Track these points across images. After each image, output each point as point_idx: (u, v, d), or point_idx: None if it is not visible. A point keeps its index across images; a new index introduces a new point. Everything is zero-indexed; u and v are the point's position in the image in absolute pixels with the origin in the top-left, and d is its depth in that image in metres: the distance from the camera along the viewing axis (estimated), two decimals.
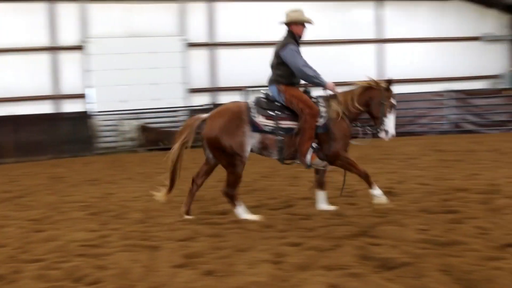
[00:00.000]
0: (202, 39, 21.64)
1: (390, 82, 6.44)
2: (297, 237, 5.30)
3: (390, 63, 23.63)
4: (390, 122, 6.38)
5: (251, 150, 6.34)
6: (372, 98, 6.41)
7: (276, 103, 6.36)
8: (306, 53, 23.55)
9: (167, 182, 6.61)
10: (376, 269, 4.21)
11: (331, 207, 6.51)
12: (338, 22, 23.10)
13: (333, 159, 6.35)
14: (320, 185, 6.65)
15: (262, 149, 6.34)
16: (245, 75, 21.93)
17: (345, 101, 6.41)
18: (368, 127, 6.62)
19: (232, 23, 21.94)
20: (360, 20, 23.58)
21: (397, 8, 23.99)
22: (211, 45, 21.75)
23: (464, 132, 19.21)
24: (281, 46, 6.36)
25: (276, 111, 6.29)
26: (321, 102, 6.39)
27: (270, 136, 6.26)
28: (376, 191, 6.30)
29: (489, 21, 25.15)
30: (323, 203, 6.60)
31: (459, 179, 8.33)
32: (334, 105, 6.37)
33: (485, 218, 5.60)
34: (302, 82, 6.46)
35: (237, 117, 6.22)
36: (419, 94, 20.12)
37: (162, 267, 4.55)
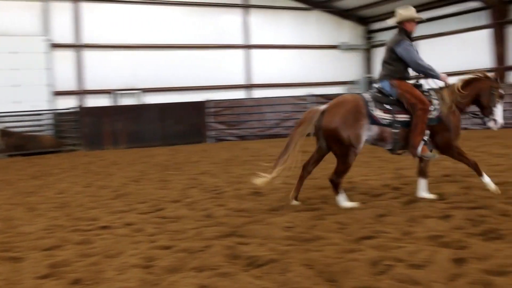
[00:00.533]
0: (68, 40, 20.69)
1: (496, 75, 6.80)
2: (167, 240, 5.25)
3: (257, 68, 24.27)
4: (498, 112, 6.60)
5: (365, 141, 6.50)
6: (482, 89, 6.60)
7: (391, 97, 6.54)
8: (176, 57, 23.13)
9: (273, 169, 6.56)
10: (245, 267, 4.29)
11: (432, 196, 6.57)
12: (207, 27, 23.28)
13: (445, 149, 6.59)
14: (423, 173, 6.72)
15: (378, 140, 6.53)
16: (113, 78, 21.32)
17: (453, 93, 6.59)
18: (479, 117, 6.80)
19: (99, 24, 21.22)
20: (229, 26, 23.96)
21: (262, 15, 24.72)
22: (77, 46, 20.87)
23: None
24: (395, 43, 6.58)
25: (392, 105, 6.49)
26: (433, 95, 6.59)
27: (387, 129, 6.43)
28: (485, 179, 6.52)
29: (346, 31, 26.82)
30: (423, 191, 6.67)
31: (320, 178, 8.76)
32: (446, 96, 6.57)
33: (343, 213, 5.95)
34: (413, 75, 6.73)
35: (355, 110, 6.34)
36: (284, 98, 20.85)
37: (25, 279, 4.27)
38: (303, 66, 25.35)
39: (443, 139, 6.55)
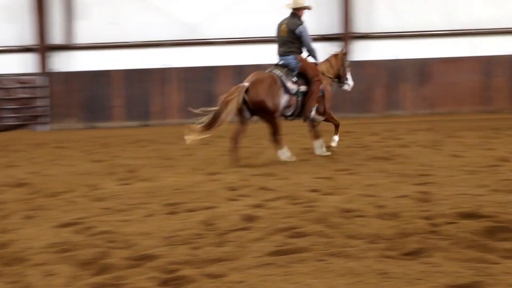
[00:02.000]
0: None
1: (342, 50, 10.60)
2: None
3: None
4: (350, 77, 10.44)
5: None
6: (339, 63, 10.27)
7: (293, 72, 9.60)
8: None
9: (205, 127, 9.04)
10: None
11: (328, 153, 9.99)
12: None
13: (323, 114, 10.00)
14: (317, 136, 10.14)
15: (285, 107, 9.57)
16: None
17: (328, 69, 10.16)
18: (338, 84, 10.46)
19: None
20: None
21: None
22: None
23: None
24: (296, 25, 9.58)
25: (296, 78, 9.61)
26: None
27: (294, 97, 9.58)
28: (336, 138, 10.09)
29: None
30: (320, 149, 10.04)
31: None
32: (326, 72, 10.11)
33: None
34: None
35: (274, 83, 9.37)
36: None
37: None
38: None
39: (323, 107, 9.89)
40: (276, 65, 9.76)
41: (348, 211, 5.89)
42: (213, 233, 5.24)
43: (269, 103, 9.23)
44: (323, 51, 18.45)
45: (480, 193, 6.56)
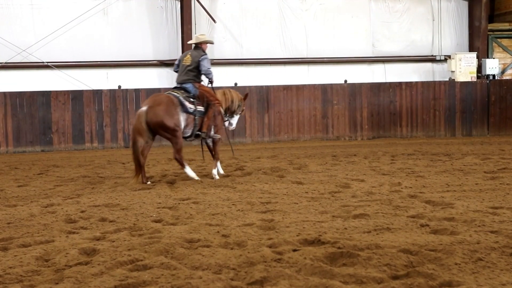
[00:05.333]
0: None
1: (247, 95, 12.33)
2: None
3: None
4: (236, 119, 11.94)
5: None
6: (235, 101, 11.64)
7: (192, 94, 10.78)
8: None
9: (134, 169, 10.37)
10: None
11: (218, 175, 10.84)
12: None
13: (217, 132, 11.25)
14: (215, 156, 11.18)
15: (185, 126, 10.58)
16: None
17: (226, 98, 11.52)
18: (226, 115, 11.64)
19: None
20: None
21: None
22: None
23: None
24: (200, 57, 10.83)
25: (194, 99, 10.75)
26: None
27: (191, 116, 10.64)
28: (219, 168, 11.14)
29: None
30: (215, 170, 10.91)
31: None
32: (223, 98, 11.49)
33: None
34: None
35: (171, 103, 10.40)
36: None
37: None
38: None
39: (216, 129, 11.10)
40: (174, 88, 10.98)
41: (193, 241, 5.94)
42: (49, 269, 5.07)
43: (168, 122, 10.24)
44: (162, 76, 19.23)
45: (322, 219, 6.87)
